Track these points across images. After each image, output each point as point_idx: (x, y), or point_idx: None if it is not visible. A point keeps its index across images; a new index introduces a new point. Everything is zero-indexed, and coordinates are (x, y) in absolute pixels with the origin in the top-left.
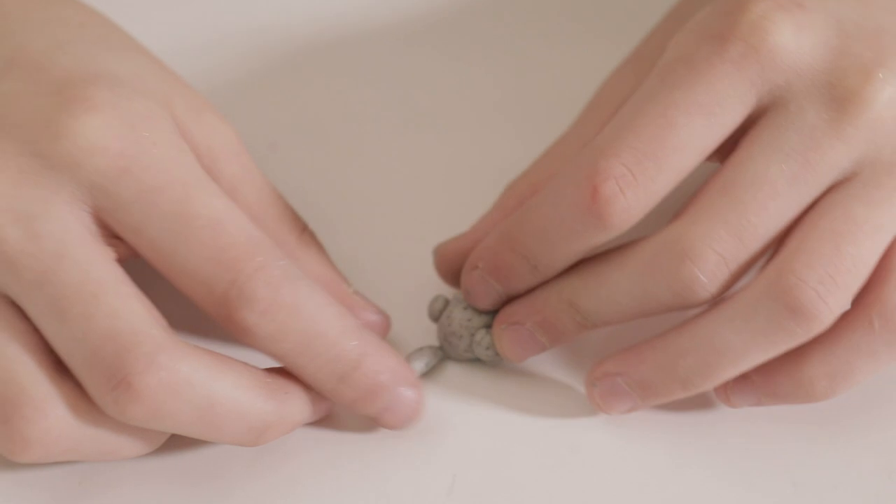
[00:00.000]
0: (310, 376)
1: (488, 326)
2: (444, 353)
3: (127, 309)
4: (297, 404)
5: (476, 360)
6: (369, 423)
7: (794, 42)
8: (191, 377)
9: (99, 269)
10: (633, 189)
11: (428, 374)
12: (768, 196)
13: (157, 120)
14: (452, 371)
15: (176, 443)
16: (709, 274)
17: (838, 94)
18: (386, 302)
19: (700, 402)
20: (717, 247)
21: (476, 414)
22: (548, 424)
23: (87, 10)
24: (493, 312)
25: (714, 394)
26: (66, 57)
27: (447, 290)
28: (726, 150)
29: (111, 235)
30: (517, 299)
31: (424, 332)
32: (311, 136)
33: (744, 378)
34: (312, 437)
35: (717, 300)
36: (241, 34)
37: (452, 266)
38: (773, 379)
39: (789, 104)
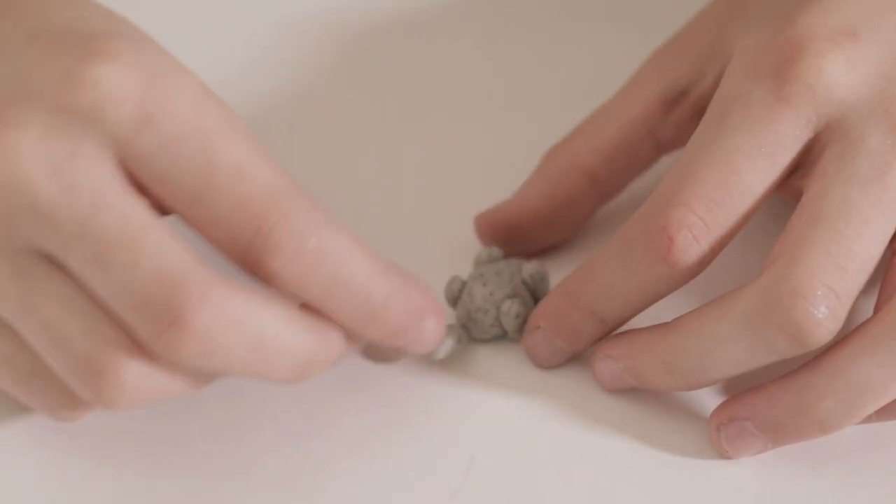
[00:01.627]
0: (339, 319)
1: (511, 297)
2: (468, 333)
3: (171, 250)
4: (335, 339)
5: (499, 339)
6: (390, 399)
7: (847, 77)
8: (242, 312)
9: (137, 215)
10: (707, 237)
11: (451, 356)
12: (861, 222)
13: (178, 74)
14: (476, 353)
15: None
16: (824, 310)
17: (895, 120)
18: None
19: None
20: (825, 280)
21: (496, 397)
22: (566, 409)
23: (108, 9)
24: (513, 283)
25: None
26: (91, 24)
27: (461, 272)
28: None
29: (137, 187)
30: (618, 335)
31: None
32: (329, 119)
33: None
34: (330, 412)
35: (843, 337)
36: (264, 19)
37: (496, 234)
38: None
39: (849, 134)
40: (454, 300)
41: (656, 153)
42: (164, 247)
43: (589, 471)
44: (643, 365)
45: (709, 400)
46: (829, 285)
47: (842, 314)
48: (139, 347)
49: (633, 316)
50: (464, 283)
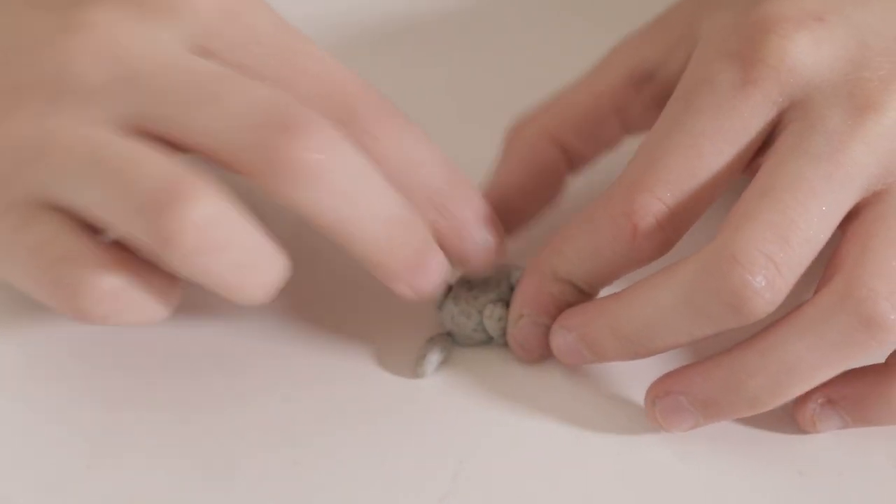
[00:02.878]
0: (410, 197)
1: (494, 301)
2: (453, 339)
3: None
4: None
5: (484, 344)
6: (377, 405)
7: (812, 58)
8: (229, 210)
9: (216, 67)
10: (671, 221)
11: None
12: (808, 196)
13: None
14: (462, 357)
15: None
16: (761, 280)
17: (858, 102)
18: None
19: None
20: (765, 249)
21: (484, 401)
22: (554, 413)
23: None
24: (499, 289)
25: (797, 422)
26: None
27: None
28: (749, 162)
29: None
30: (573, 307)
31: (426, 322)
32: None
33: (831, 404)
34: (318, 418)
35: (781, 317)
36: None
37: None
38: (862, 403)
39: (811, 113)
40: (440, 303)
41: (622, 132)
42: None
43: (578, 474)
44: (594, 333)
45: None
46: (769, 255)
47: (782, 286)
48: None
49: (610, 282)
50: (450, 287)
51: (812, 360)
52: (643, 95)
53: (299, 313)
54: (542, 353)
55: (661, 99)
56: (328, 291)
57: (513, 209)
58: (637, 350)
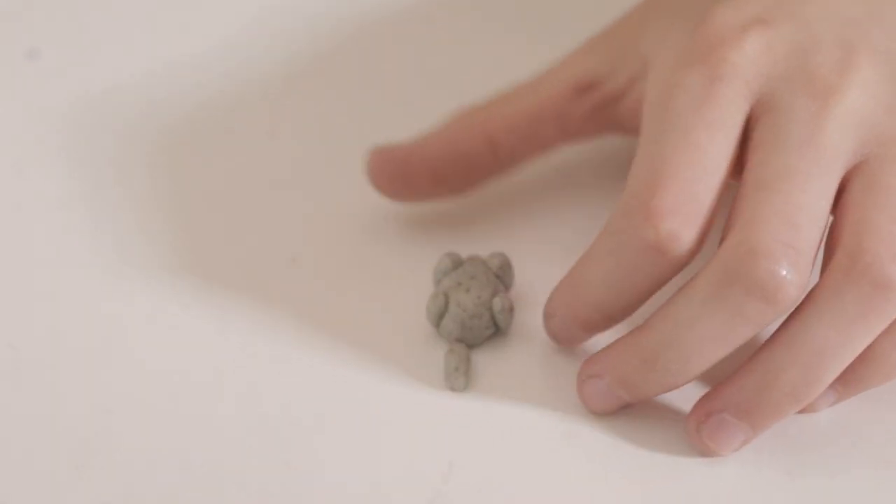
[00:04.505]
0: None
1: (495, 295)
2: (466, 344)
3: None
4: None
5: (490, 338)
6: (366, 407)
7: (767, 55)
8: None
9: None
10: (690, 221)
11: (424, 365)
12: (803, 180)
13: None
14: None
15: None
16: (786, 265)
17: (818, 86)
18: (385, 300)
19: (691, 393)
20: (780, 237)
21: (476, 402)
22: (545, 412)
23: None
24: (489, 282)
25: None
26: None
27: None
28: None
29: None
30: (600, 350)
31: (423, 332)
32: (309, 129)
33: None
34: (309, 422)
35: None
36: (248, 26)
37: (385, 171)
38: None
39: (778, 104)
40: (440, 315)
41: (559, 138)
42: None
43: (570, 477)
44: (626, 372)
45: (683, 402)
46: (785, 242)
47: (805, 268)
48: None
49: (639, 306)
50: (447, 296)
51: (837, 338)
52: (584, 104)
53: (288, 318)
54: (576, 345)
55: (601, 109)
56: (315, 297)
57: (413, 174)
58: (675, 378)
